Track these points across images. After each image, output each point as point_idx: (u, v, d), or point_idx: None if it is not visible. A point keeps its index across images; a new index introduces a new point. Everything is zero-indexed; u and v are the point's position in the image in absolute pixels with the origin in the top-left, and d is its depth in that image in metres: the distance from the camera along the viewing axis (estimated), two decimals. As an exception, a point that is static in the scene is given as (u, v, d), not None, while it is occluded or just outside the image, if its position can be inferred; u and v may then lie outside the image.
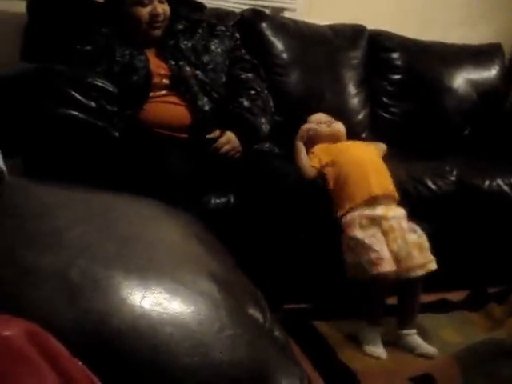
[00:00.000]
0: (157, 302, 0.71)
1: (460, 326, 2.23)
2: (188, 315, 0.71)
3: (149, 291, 0.73)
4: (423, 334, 2.07)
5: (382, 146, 2.40)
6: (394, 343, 2.03)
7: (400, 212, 2.08)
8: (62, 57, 2.06)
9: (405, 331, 2.03)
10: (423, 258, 1.99)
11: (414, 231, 2.04)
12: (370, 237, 1.97)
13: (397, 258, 1.97)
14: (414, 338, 2.02)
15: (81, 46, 2.11)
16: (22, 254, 0.74)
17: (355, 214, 2.04)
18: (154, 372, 0.66)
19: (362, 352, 1.99)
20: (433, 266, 1.99)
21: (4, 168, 0.90)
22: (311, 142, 2.34)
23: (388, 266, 1.93)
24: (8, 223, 0.80)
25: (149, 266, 0.77)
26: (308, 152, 2.30)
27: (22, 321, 0.60)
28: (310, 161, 2.25)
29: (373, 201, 2.06)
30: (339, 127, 2.39)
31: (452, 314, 2.32)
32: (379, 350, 1.98)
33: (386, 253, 1.94)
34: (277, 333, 0.84)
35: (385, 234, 1.99)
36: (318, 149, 2.28)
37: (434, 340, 2.07)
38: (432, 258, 2.00)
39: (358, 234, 1.99)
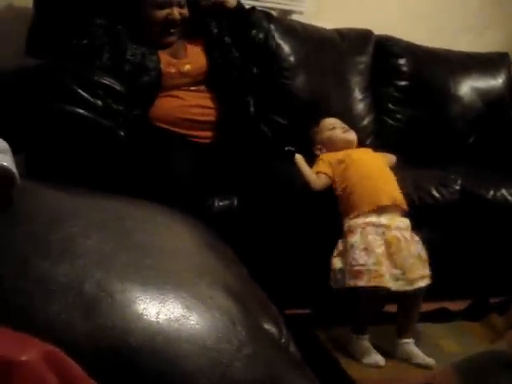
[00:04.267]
0: (174, 318, 0.69)
1: (460, 336, 2.22)
2: (206, 332, 0.69)
3: (166, 306, 0.70)
4: (422, 343, 2.07)
5: (392, 158, 2.37)
6: (393, 352, 2.02)
7: (405, 223, 2.06)
8: (64, 52, 2.04)
9: (402, 340, 2.03)
10: (425, 270, 1.98)
11: (418, 242, 2.03)
12: (367, 247, 1.96)
13: (401, 269, 1.95)
14: (411, 347, 2.02)
15: (77, 40, 2.07)
16: (35, 264, 0.71)
17: (359, 221, 2.02)
18: (171, 391, 0.63)
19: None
20: (428, 280, 1.99)
21: (16, 172, 0.88)
22: (325, 147, 2.31)
23: (367, 281, 1.91)
24: (20, 231, 0.77)
25: (166, 279, 0.75)
26: (317, 158, 2.27)
27: (38, 342, 0.57)
28: (320, 167, 2.20)
29: (380, 210, 2.04)
30: (354, 137, 2.34)
31: (452, 323, 2.30)
32: (376, 358, 1.97)
33: (371, 266, 1.93)
34: (292, 349, 0.82)
35: (388, 244, 1.98)
36: (330, 156, 2.24)
37: (433, 349, 2.06)
38: (429, 271, 2.00)
39: (358, 240, 1.98)
